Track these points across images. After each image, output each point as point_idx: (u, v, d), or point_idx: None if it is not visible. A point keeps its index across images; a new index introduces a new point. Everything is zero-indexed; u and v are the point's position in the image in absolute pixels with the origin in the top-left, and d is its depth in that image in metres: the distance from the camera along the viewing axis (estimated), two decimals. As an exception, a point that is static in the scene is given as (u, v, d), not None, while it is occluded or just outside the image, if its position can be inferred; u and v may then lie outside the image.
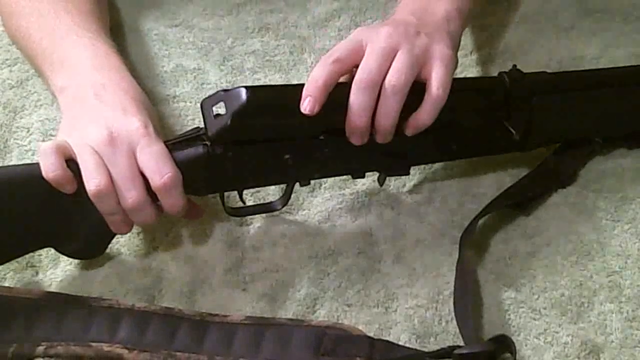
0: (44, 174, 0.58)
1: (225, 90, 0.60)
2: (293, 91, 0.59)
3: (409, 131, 0.62)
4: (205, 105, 0.61)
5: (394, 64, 0.60)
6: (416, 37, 0.61)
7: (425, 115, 0.61)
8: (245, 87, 0.58)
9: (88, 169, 0.58)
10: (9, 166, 0.69)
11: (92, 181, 0.58)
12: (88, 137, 0.59)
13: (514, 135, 0.68)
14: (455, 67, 0.65)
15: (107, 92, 0.62)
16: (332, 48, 0.61)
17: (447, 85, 0.61)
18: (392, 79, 0.59)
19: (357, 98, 0.59)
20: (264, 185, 0.68)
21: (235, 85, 0.63)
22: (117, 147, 0.59)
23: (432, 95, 0.60)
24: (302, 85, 0.59)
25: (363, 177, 0.68)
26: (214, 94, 0.61)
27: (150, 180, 0.59)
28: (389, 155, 0.66)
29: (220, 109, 0.60)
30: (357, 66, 0.60)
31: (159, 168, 0.59)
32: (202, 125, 0.62)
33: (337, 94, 0.59)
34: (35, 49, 0.69)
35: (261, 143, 0.62)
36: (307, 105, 0.58)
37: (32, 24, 0.70)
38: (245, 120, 0.59)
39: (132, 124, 0.60)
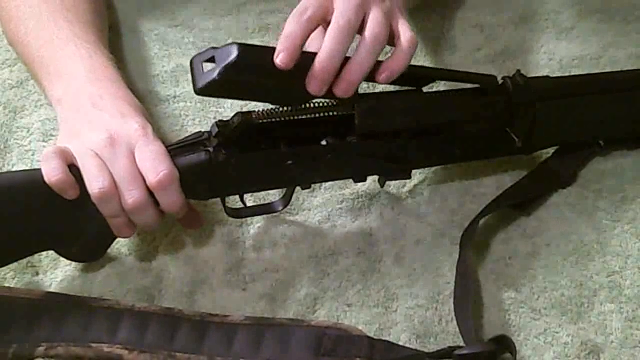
0: (45, 178, 0.57)
1: (215, 48, 0.59)
2: None
3: (383, 78, 0.61)
4: (196, 61, 0.59)
5: (371, 16, 0.59)
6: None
7: (399, 62, 0.60)
8: (237, 43, 0.57)
9: (90, 172, 0.58)
10: (10, 172, 0.69)
11: (95, 184, 0.58)
12: (89, 142, 0.59)
13: (517, 142, 0.68)
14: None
15: (105, 101, 0.62)
16: (301, 3, 0.60)
17: (415, 43, 0.61)
18: (374, 28, 0.59)
19: (332, 42, 0.58)
20: (266, 190, 0.68)
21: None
22: (117, 148, 0.59)
23: (403, 45, 0.60)
24: None
25: (365, 180, 0.68)
26: (204, 50, 0.59)
27: (145, 178, 0.59)
28: (390, 159, 0.66)
29: (210, 65, 0.58)
30: (326, 21, 0.59)
31: (153, 166, 0.58)
32: (203, 128, 0.62)
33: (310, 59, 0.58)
34: (33, 56, 0.69)
35: (264, 150, 0.63)
36: (281, 58, 0.57)
37: (31, 30, 0.70)
38: (234, 75, 0.57)
39: (130, 126, 0.60)
